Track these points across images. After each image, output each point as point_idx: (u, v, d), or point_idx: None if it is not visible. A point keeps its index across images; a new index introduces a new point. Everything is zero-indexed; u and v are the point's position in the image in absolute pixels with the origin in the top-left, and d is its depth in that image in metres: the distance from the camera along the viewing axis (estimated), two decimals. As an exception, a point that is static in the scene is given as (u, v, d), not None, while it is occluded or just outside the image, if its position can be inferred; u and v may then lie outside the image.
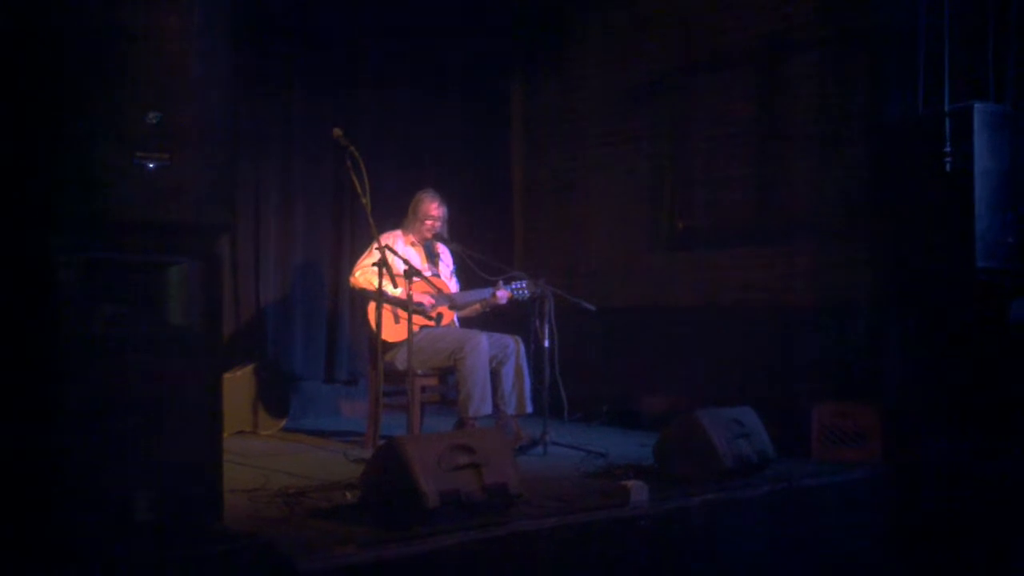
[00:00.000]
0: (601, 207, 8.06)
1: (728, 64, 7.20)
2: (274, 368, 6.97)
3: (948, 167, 5.42)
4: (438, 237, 6.22)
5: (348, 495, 4.40)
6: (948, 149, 5.42)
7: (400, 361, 5.81)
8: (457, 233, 6.39)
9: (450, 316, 6.22)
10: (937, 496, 5.40)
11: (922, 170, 5.58)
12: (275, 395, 6.80)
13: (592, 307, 6.20)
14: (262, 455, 5.71)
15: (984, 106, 5.44)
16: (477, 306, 6.24)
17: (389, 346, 5.89)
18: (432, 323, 6.07)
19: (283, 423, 6.80)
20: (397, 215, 6.31)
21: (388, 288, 5.51)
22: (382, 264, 5.22)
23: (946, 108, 5.50)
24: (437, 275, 6.23)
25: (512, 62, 8.62)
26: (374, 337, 5.72)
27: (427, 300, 5.99)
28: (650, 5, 7.74)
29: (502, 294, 6.07)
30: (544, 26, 8.43)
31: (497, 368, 5.91)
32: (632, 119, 7.87)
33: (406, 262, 5.52)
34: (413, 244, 6.21)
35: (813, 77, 6.70)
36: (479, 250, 6.22)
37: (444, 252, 6.41)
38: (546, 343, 5.84)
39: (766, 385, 6.45)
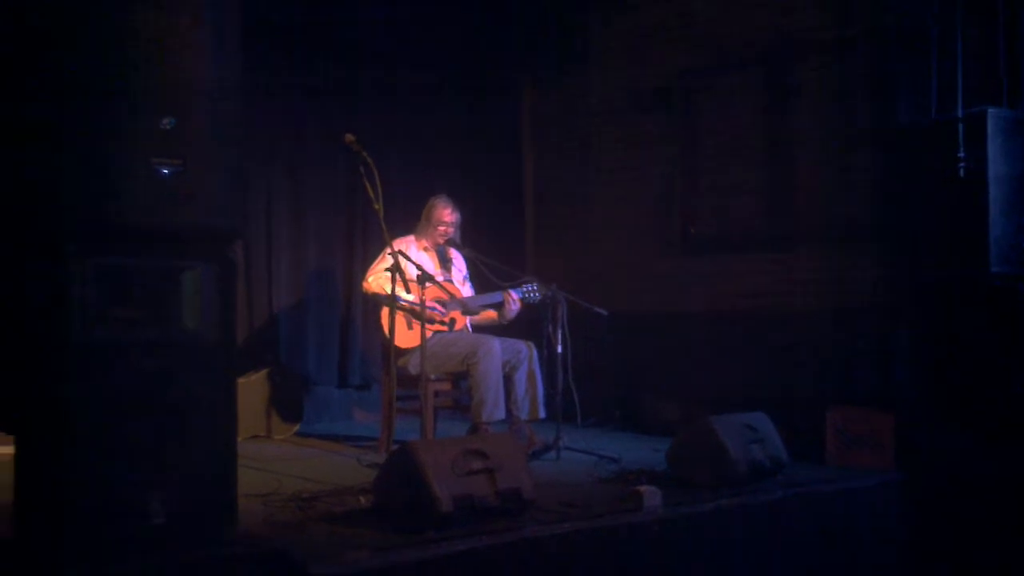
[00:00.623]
0: (611, 212, 8.05)
1: (737, 69, 7.19)
2: (287, 373, 6.98)
3: (962, 172, 5.41)
4: (451, 243, 6.23)
5: (362, 500, 4.40)
6: (962, 154, 5.41)
7: (413, 366, 5.81)
8: (468, 239, 6.39)
9: (463, 321, 6.22)
10: (951, 501, 5.38)
11: (935, 175, 5.57)
12: (288, 400, 6.81)
13: (604, 312, 6.20)
14: (276, 459, 5.71)
15: (998, 111, 5.43)
16: (493, 315, 6.23)
17: (402, 351, 5.89)
18: (445, 328, 6.07)
19: (296, 428, 6.81)
20: (408, 220, 6.33)
21: (401, 293, 5.51)
22: (395, 269, 5.22)
23: (959, 113, 5.49)
24: (450, 280, 6.24)
25: (521, 67, 8.62)
26: (387, 342, 5.73)
27: (440, 305, 6.00)
28: (658, 10, 7.73)
29: (513, 296, 6.07)
30: (553, 32, 8.43)
31: (510, 373, 5.91)
32: (641, 124, 7.86)
33: (419, 267, 5.53)
34: (426, 249, 6.22)
35: (823, 82, 6.69)
36: (490, 255, 6.22)
37: (457, 257, 6.42)
38: (559, 348, 5.83)
39: (778, 390, 6.43)
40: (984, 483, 5.32)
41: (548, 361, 5.91)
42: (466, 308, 6.19)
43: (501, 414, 5.80)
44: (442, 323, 6.04)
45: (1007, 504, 5.26)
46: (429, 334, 5.64)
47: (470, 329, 6.29)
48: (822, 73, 6.69)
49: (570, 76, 8.43)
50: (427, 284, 5.44)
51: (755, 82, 7.09)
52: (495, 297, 6.14)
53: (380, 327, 6.03)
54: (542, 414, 5.97)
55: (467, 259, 6.44)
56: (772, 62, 6.97)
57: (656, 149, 7.76)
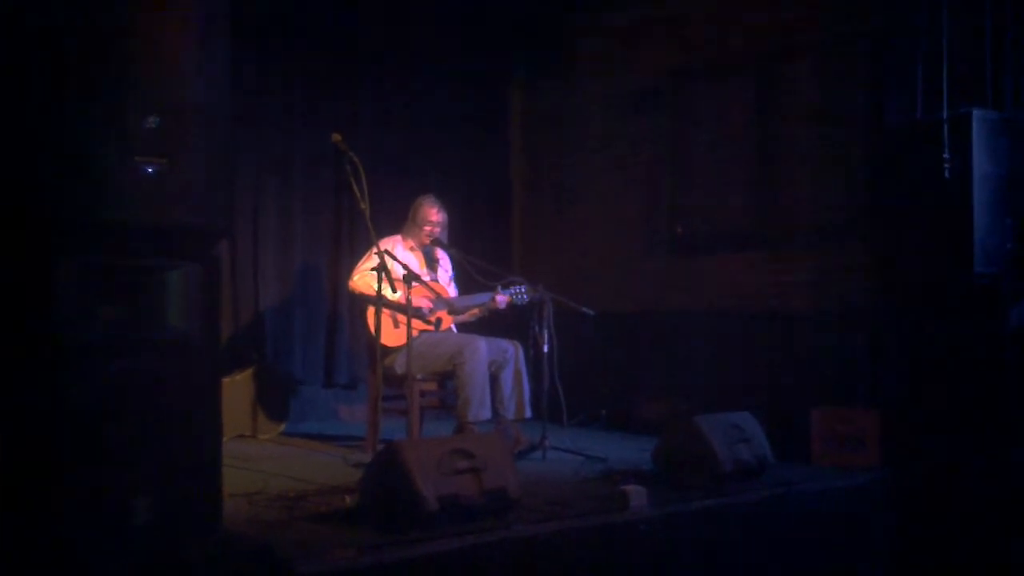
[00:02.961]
0: (599, 212, 8.07)
1: (726, 69, 7.21)
2: (273, 372, 6.96)
3: (947, 173, 5.42)
4: (437, 242, 6.23)
5: (347, 499, 4.40)
6: (947, 155, 5.42)
7: (399, 365, 5.80)
8: (455, 238, 6.39)
9: (449, 321, 6.22)
10: (937, 500, 5.40)
11: (921, 176, 5.58)
12: (274, 399, 6.80)
13: (591, 312, 6.21)
14: (261, 459, 5.71)
15: (983, 112, 5.45)
16: (476, 310, 6.24)
17: (388, 350, 5.88)
18: (431, 328, 6.06)
19: (282, 427, 6.80)
20: (395, 220, 6.32)
21: (387, 293, 5.51)
22: (381, 269, 5.22)
23: (944, 114, 5.51)
24: (436, 280, 6.24)
25: (511, 67, 8.63)
26: (373, 341, 5.72)
27: (426, 305, 6.00)
28: (648, 10, 7.75)
29: (501, 298, 6.08)
30: (543, 31, 8.44)
31: (496, 373, 5.91)
32: (630, 124, 7.87)
33: (405, 267, 5.52)
34: (412, 249, 6.22)
35: (811, 83, 6.71)
36: (477, 255, 6.22)
37: (443, 257, 6.42)
38: (545, 348, 5.84)
39: (765, 390, 6.45)
40: (969, 482, 5.34)
41: (534, 361, 5.92)
42: (453, 309, 6.19)
43: (487, 414, 5.80)
44: (428, 322, 6.03)
45: (992, 503, 5.28)
46: (415, 333, 5.63)
47: (455, 329, 6.29)
48: (811, 74, 6.71)
49: (558, 75, 8.44)
50: (413, 284, 5.43)
51: (744, 82, 7.10)
52: (483, 298, 6.14)
53: (366, 326, 6.03)
54: (528, 414, 5.98)
55: (453, 259, 6.44)
56: (761, 62, 6.99)
57: (644, 148, 7.77)
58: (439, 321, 6.12)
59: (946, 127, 5.45)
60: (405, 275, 5.44)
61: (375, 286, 5.36)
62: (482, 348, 5.80)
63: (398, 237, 6.24)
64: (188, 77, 3.60)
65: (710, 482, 4.85)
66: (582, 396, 6.86)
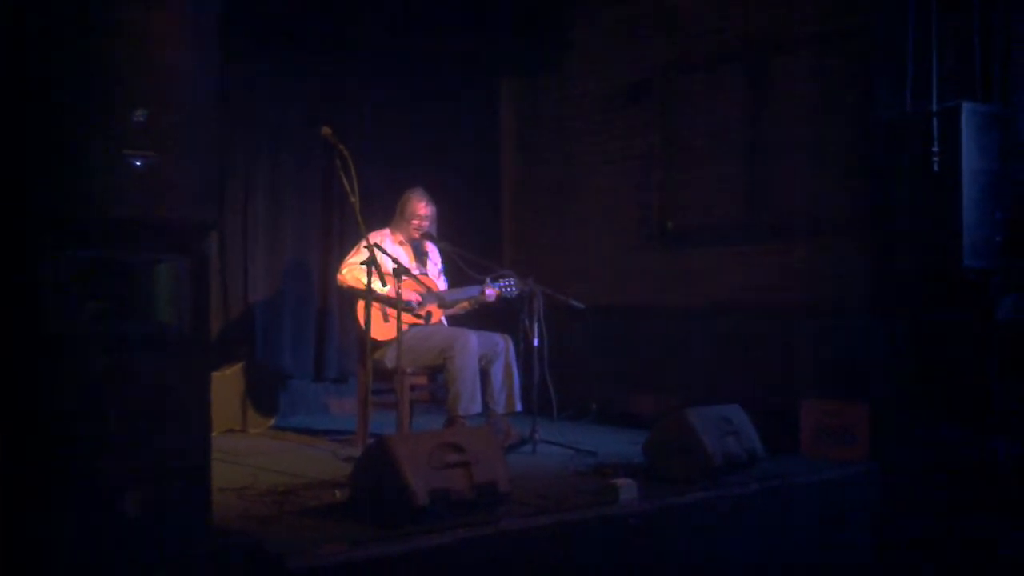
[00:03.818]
0: (591, 206, 8.06)
1: (719, 63, 7.20)
2: (263, 366, 6.95)
3: (936, 166, 5.43)
4: (426, 236, 6.22)
5: (337, 493, 4.40)
6: (936, 148, 5.43)
7: (389, 359, 5.80)
8: (446, 232, 6.38)
9: (439, 314, 6.21)
10: (926, 492, 5.42)
11: (910, 169, 5.59)
12: (264, 393, 6.79)
13: (581, 305, 6.21)
14: (251, 453, 5.70)
15: (972, 105, 5.45)
16: (466, 304, 6.23)
17: (378, 344, 5.87)
18: (421, 321, 6.06)
19: (272, 421, 6.79)
20: (387, 214, 6.31)
21: (376, 286, 5.50)
22: (371, 262, 5.21)
23: (934, 107, 5.51)
24: (425, 274, 6.23)
25: (503, 60, 8.61)
26: (363, 335, 5.71)
27: (415, 298, 5.99)
28: (641, 4, 7.73)
29: (490, 291, 6.07)
30: (535, 24, 8.41)
31: (486, 367, 5.90)
32: (623, 118, 7.86)
33: (395, 260, 5.52)
34: (401, 243, 6.21)
35: (803, 76, 6.70)
36: (468, 249, 6.21)
37: (432, 251, 6.41)
38: (535, 341, 5.84)
39: (756, 383, 6.45)
40: (958, 473, 5.35)
41: (524, 354, 5.92)
42: (443, 303, 6.18)
43: (477, 408, 5.80)
44: (418, 316, 6.02)
45: (981, 494, 5.30)
46: (405, 327, 5.62)
47: (445, 322, 6.28)
48: (803, 67, 6.69)
49: (549, 69, 8.42)
50: (403, 277, 5.43)
51: (737, 75, 7.09)
52: (472, 291, 6.14)
53: (356, 320, 6.02)
54: (518, 407, 5.97)
55: (443, 252, 6.43)
56: (754, 56, 6.98)
57: (635, 143, 7.76)
58: (429, 315, 6.11)
59: (935, 120, 5.45)
60: (394, 269, 5.43)
61: (363, 280, 5.35)
62: (472, 342, 5.79)
63: (387, 231, 6.22)
64: (177, 70, 3.58)
65: (700, 475, 4.85)
66: (572, 390, 6.86)
